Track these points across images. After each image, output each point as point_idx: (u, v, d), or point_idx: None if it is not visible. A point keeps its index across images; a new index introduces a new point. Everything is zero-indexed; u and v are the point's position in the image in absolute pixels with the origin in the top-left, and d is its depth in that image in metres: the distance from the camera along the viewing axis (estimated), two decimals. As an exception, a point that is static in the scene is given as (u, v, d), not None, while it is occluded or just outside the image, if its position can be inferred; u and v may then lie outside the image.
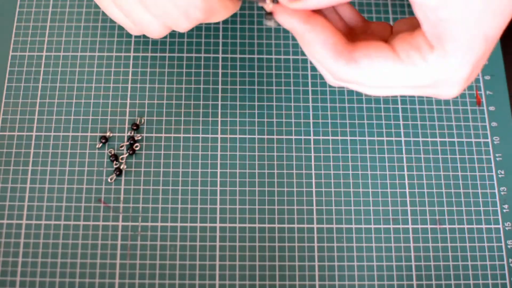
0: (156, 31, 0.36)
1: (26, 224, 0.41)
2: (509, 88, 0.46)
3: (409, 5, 0.48)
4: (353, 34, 0.34)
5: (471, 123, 0.45)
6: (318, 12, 0.32)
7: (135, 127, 0.43)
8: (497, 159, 0.44)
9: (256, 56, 0.46)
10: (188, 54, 0.46)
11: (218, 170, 0.43)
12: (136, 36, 0.46)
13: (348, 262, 0.41)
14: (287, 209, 0.42)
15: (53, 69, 0.45)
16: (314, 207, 0.42)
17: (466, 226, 0.42)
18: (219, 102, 0.45)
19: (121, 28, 0.47)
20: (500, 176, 0.43)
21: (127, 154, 0.43)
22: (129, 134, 0.43)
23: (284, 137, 0.44)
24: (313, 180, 0.43)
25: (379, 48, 0.31)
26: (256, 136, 0.44)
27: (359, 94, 0.45)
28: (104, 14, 0.47)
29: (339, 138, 0.44)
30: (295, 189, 0.42)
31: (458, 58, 0.29)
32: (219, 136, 0.44)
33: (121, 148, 0.43)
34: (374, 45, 0.31)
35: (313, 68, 0.46)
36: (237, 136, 0.44)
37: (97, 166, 0.42)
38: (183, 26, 0.34)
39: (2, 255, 0.40)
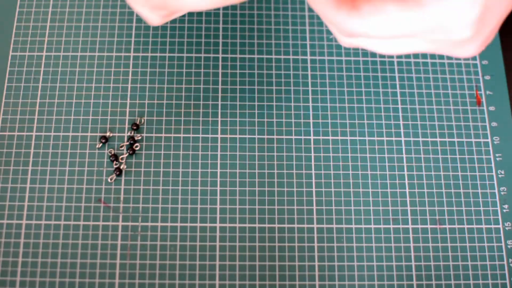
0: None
1: (26, 224, 0.41)
2: (509, 88, 0.46)
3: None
4: None
5: (471, 123, 0.45)
6: None
7: (135, 127, 0.43)
8: (497, 159, 0.44)
9: (256, 56, 0.46)
10: (188, 54, 0.46)
11: (218, 170, 0.43)
12: (136, 36, 0.46)
13: (348, 262, 0.41)
14: (287, 209, 0.42)
15: (53, 69, 0.45)
16: (314, 207, 0.42)
17: (466, 226, 0.42)
18: (219, 102, 0.45)
19: (121, 28, 0.47)
20: (500, 176, 0.43)
21: (127, 154, 0.43)
22: (129, 134, 0.43)
23: (284, 137, 0.44)
24: (313, 180, 0.43)
25: None
26: (256, 136, 0.44)
27: (359, 94, 0.45)
28: (104, 14, 0.47)
29: (339, 138, 0.44)
30: (295, 189, 0.42)
31: None
32: (219, 136, 0.44)
33: (121, 148, 0.43)
34: None
35: (313, 68, 0.46)
36: (237, 136, 0.44)
37: (97, 166, 0.42)
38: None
39: (2, 255, 0.40)
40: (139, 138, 0.43)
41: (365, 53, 0.46)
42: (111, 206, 0.41)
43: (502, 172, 0.43)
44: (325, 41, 0.47)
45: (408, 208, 0.42)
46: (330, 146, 0.44)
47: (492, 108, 0.45)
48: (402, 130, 0.44)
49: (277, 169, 0.43)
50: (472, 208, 0.42)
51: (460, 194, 0.43)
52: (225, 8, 0.48)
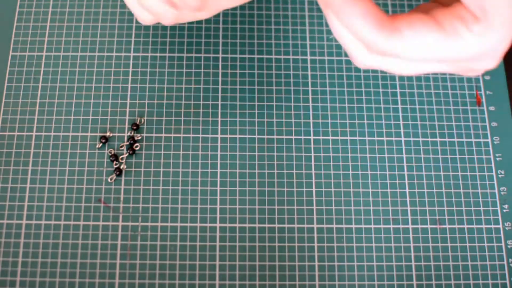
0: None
1: (26, 224, 0.41)
2: (509, 88, 0.46)
3: (409, 5, 0.48)
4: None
5: (471, 123, 0.45)
6: None
7: (135, 127, 0.43)
8: (497, 159, 0.44)
9: (256, 56, 0.46)
10: (188, 54, 0.46)
11: (218, 170, 0.43)
12: (136, 36, 0.46)
13: (348, 262, 0.41)
14: (287, 209, 0.42)
15: (53, 69, 0.45)
16: (314, 207, 0.42)
17: (466, 226, 0.42)
18: (219, 102, 0.45)
19: (121, 28, 0.47)
20: (500, 176, 0.43)
21: (127, 154, 0.43)
22: (129, 134, 0.43)
23: (284, 137, 0.44)
24: (313, 180, 0.43)
25: (422, 18, 0.30)
26: (256, 136, 0.44)
27: (359, 94, 0.45)
28: (104, 14, 0.47)
29: (339, 138, 0.44)
30: (295, 189, 0.42)
31: (504, 29, 0.29)
32: (219, 136, 0.44)
33: (121, 148, 0.43)
34: (417, 16, 0.30)
35: (313, 68, 0.46)
36: (237, 136, 0.44)
37: (97, 166, 0.42)
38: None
39: (2, 255, 0.40)
40: (139, 138, 0.43)
41: (365, 53, 0.46)
42: (111, 206, 0.41)
43: (502, 172, 0.43)
44: (325, 41, 0.47)
45: (408, 208, 0.42)
46: (330, 146, 0.44)
47: (492, 108, 0.45)
48: (402, 130, 0.44)
49: (277, 169, 0.43)
50: (472, 208, 0.42)
51: (460, 194, 0.43)
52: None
